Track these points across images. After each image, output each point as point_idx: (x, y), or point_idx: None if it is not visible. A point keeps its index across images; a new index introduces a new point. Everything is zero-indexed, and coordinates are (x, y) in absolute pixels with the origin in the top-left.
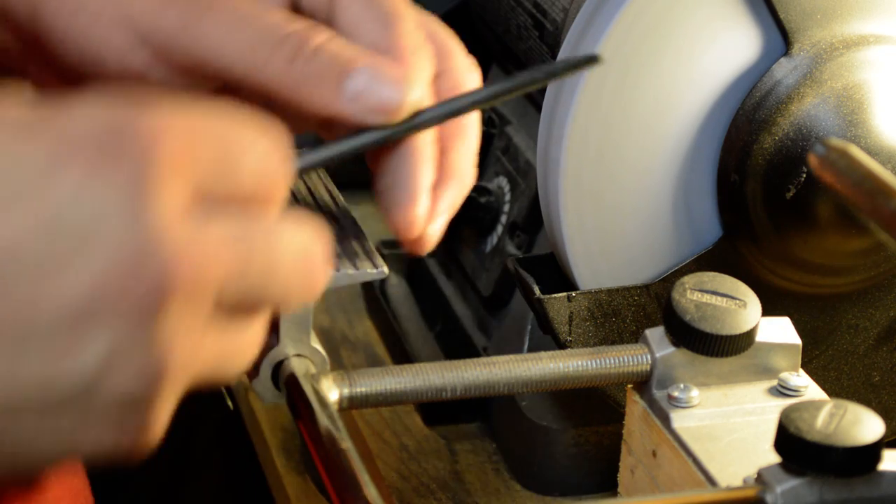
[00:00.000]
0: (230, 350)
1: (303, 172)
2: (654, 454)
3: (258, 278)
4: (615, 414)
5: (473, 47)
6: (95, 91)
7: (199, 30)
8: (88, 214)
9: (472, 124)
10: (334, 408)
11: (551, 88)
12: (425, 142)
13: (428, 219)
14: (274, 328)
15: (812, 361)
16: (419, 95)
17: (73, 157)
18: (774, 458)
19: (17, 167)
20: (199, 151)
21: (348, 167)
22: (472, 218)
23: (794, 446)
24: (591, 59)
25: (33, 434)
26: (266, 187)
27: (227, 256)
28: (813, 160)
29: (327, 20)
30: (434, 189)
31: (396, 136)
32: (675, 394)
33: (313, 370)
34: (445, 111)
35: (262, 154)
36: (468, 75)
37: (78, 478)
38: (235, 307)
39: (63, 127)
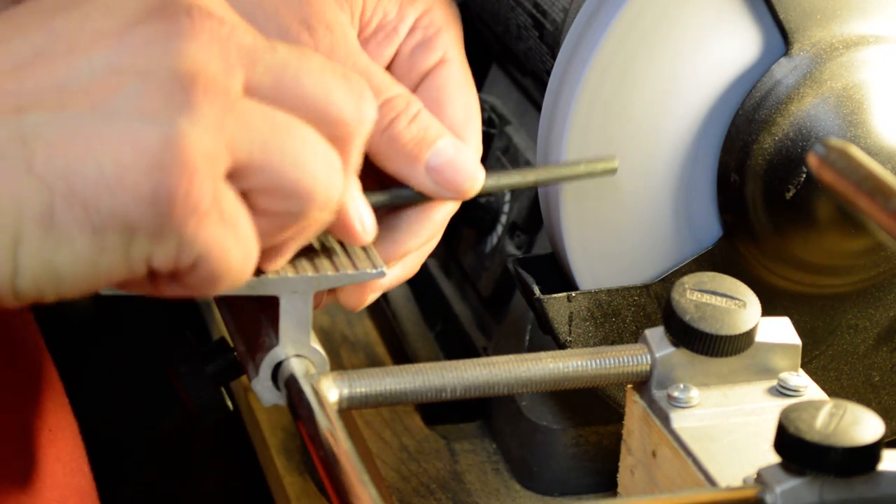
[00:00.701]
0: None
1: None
2: (654, 454)
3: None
4: (615, 414)
5: (473, 47)
6: None
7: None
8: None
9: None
10: (334, 408)
11: (551, 88)
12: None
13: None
14: (274, 328)
15: (812, 361)
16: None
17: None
18: (774, 458)
19: None
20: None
21: None
22: (472, 218)
23: (793, 446)
24: (609, 171)
25: (85, 153)
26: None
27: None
28: (813, 160)
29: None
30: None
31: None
32: (675, 394)
33: (313, 370)
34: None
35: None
36: None
37: (85, 478)
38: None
39: None
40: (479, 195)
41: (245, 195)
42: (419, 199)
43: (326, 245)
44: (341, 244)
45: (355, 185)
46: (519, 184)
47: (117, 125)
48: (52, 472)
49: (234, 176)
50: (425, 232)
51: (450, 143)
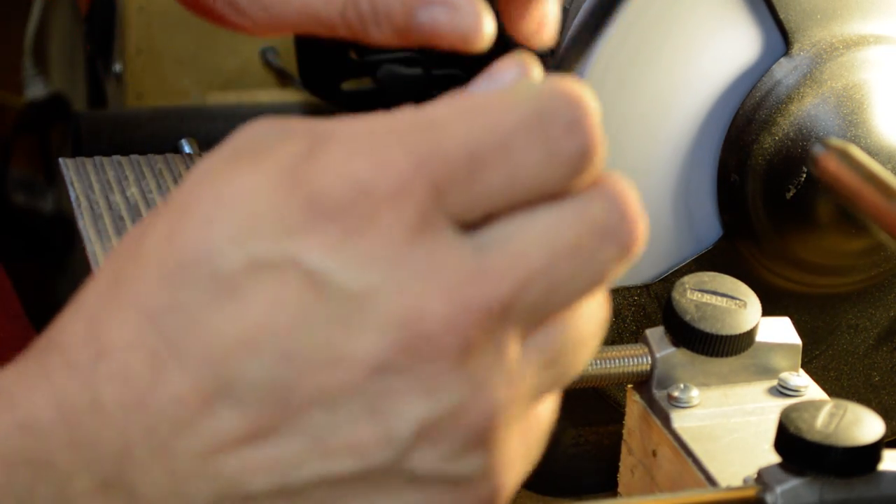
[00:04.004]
0: (552, 361)
1: None
2: (654, 454)
3: (557, 275)
4: (615, 414)
5: None
6: (342, 143)
7: None
8: (358, 275)
9: None
10: None
11: None
12: None
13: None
14: None
15: (812, 361)
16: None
17: (331, 216)
18: (774, 458)
19: (277, 219)
20: (463, 172)
21: None
22: None
23: (793, 446)
24: None
25: (367, 499)
26: (563, 177)
27: (517, 268)
28: (813, 160)
29: None
30: None
31: None
32: (675, 394)
33: None
34: None
35: (548, 148)
36: None
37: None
38: (542, 314)
39: (316, 179)
40: None
41: None
42: None
43: None
44: None
45: None
46: None
47: None
48: None
49: None
50: None
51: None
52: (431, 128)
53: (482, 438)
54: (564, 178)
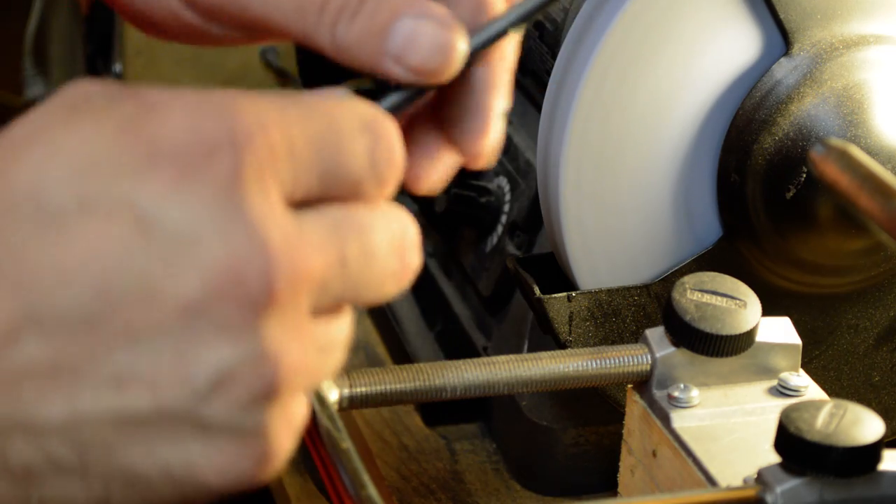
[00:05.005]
0: (328, 348)
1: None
2: (654, 454)
3: (356, 270)
4: (615, 414)
5: None
6: (185, 91)
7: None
8: (187, 218)
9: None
10: (334, 408)
11: (551, 88)
12: (501, 69)
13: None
14: None
15: (812, 361)
16: (464, 50)
17: (168, 160)
18: (774, 458)
19: (114, 164)
20: (298, 148)
21: None
22: (472, 218)
23: (794, 446)
24: None
25: (148, 455)
26: (375, 178)
27: (328, 250)
28: (813, 160)
29: None
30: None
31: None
32: (675, 394)
33: None
34: (483, 40)
35: (368, 146)
36: None
37: None
38: (334, 302)
39: (156, 129)
40: (476, 190)
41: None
42: (418, 93)
43: None
44: None
45: None
46: (509, 24)
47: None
48: None
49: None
50: (500, 87)
51: (407, 21)
52: (273, 103)
53: (272, 393)
54: (376, 183)
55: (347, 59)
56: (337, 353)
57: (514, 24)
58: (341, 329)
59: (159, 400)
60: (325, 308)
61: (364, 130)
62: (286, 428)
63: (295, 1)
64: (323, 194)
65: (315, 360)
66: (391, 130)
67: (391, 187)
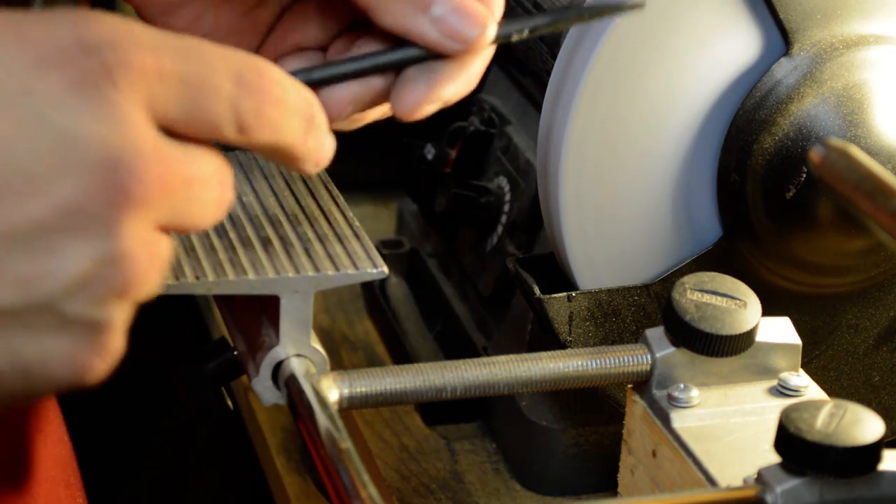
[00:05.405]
0: (159, 264)
1: (322, 83)
2: (654, 454)
3: (194, 195)
4: (615, 414)
5: None
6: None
7: None
8: (69, 121)
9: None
10: (334, 408)
11: (551, 88)
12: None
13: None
14: (274, 328)
15: (812, 361)
16: (494, 33)
17: (56, 66)
18: (774, 458)
19: (7, 66)
20: (166, 74)
21: (348, 167)
22: (472, 218)
23: (794, 446)
24: (634, 5)
25: (5, 348)
26: (235, 125)
27: (180, 170)
28: (813, 160)
29: None
30: None
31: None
32: (675, 394)
33: (313, 370)
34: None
35: (232, 94)
36: None
37: (65, 448)
38: (167, 222)
39: (43, 36)
40: (476, 190)
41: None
42: (426, 56)
43: (327, 246)
44: (342, 244)
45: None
46: (536, 27)
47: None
48: (32, 442)
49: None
50: (463, 81)
51: None
52: (158, 33)
53: (124, 293)
54: (235, 130)
55: (387, 6)
56: (162, 272)
57: (520, 32)
58: (168, 248)
59: (27, 295)
60: (160, 226)
61: (234, 80)
62: (123, 327)
63: None
64: (183, 129)
65: (153, 270)
66: (272, 87)
67: (256, 137)
